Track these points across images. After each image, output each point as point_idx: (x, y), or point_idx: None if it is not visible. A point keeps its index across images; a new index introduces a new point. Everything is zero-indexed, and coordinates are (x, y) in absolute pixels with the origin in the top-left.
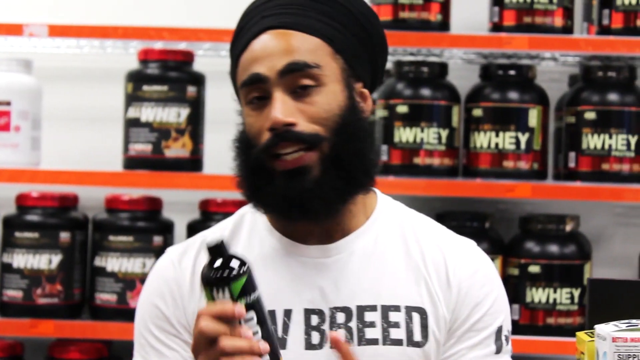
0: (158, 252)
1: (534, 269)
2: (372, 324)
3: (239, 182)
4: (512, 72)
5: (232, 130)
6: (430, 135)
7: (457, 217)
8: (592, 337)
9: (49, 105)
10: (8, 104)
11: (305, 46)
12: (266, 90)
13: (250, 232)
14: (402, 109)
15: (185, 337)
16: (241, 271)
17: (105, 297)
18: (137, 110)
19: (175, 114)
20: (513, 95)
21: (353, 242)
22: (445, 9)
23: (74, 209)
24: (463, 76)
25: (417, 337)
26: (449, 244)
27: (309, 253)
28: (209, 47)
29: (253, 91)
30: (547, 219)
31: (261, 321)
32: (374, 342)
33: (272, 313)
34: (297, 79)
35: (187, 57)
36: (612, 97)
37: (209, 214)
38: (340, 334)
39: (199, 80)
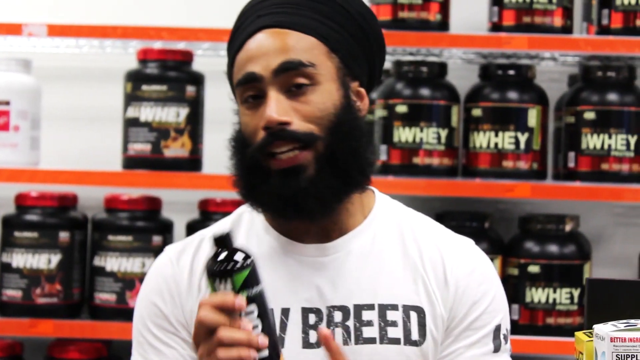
0: (157, 252)
1: (534, 269)
2: (369, 323)
3: (235, 181)
4: (511, 72)
5: (231, 130)
6: (429, 135)
7: (457, 217)
8: (590, 337)
9: (48, 105)
10: (7, 103)
11: (300, 45)
12: (261, 89)
13: (248, 231)
14: (402, 108)
15: (183, 335)
16: (244, 264)
17: (105, 296)
18: (136, 110)
19: (174, 114)
20: (512, 95)
21: (350, 241)
22: (444, 8)
23: (73, 208)
24: (462, 76)
25: (415, 336)
26: (447, 242)
27: (306, 252)
28: (208, 46)
29: (248, 90)
30: (546, 219)
31: (262, 315)
32: (371, 341)
33: (270, 312)
34: (292, 77)
35: (186, 57)
36: (612, 97)
37: (208, 213)
38: (328, 331)
39: (198, 80)
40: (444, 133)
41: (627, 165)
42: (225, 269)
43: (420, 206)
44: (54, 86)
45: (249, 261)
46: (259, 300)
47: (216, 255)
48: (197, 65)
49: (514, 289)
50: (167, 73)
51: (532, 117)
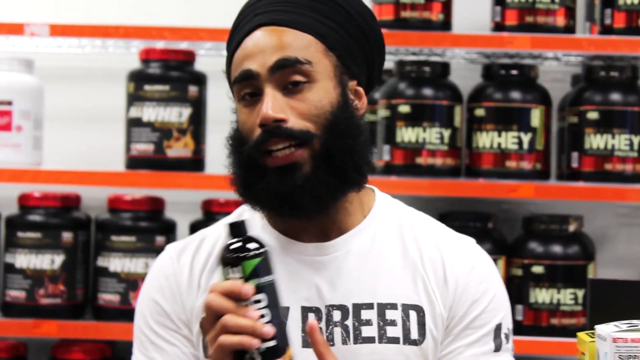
0: (160, 252)
1: (538, 269)
2: (368, 322)
3: (232, 179)
4: (514, 72)
5: None
6: (432, 135)
7: (460, 217)
8: (593, 337)
9: (50, 105)
10: (10, 103)
11: (297, 43)
12: (258, 87)
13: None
14: (404, 108)
15: (185, 332)
16: (255, 253)
17: (108, 297)
18: (139, 110)
19: (177, 114)
20: (515, 95)
21: (350, 240)
22: (447, 8)
23: (77, 209)
24: (465, 76)
25: (414, 335)
26: (447, 241)
27: (305, 251)
28: (211, 46)
29: (245, 88)
30: (550, 219)
31: (271, 306)
32: (370, 340)
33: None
34: (288, 75)
35: (189, 57)
36: (615, 97)
37: (212, 213)
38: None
39: (200, 79)
40: (447, 133)
41: (630, 165)
42: (235, 255)
43: (423, 206)
44: (57, 86)
45: (261, 250)
46: (268, 290)
47: (230, 243)
48: (200, 65)
49: (518, 289)
50: (169, 73)
51: (535, 117)
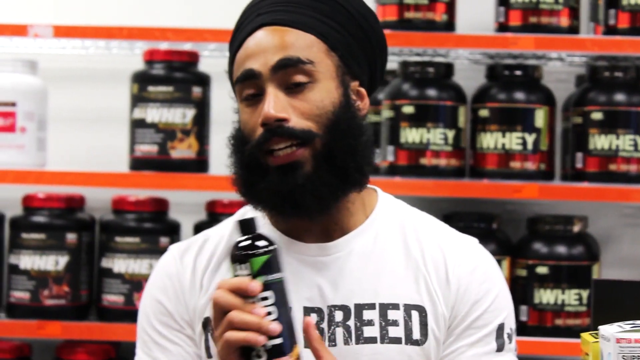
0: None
1: (542, 270)
2: (370, 322)
3: (234, 179)
4: (518, 73)
5: None
6: (436, 136)
7: (464, 218)
8: (596, 338)
9: (54, 106)
10: (13, 104)
11: (299, 42)
12: (260, 87)
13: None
14: (408, 109)
15: (188, 332)
16: (264, 250)
17: (112, 298)
18: (143, 111)
19: (180, 115)
20: (519, 95)
21: (352, 240)
22: (450, 9)
23: (81, 210)
24: (469, 76)
25: (416, 335)
26: (450, 241)
27: (307, 251)
28: (214, 47)
29: (247, 87)
30: (554, 219)
31: (279, 304)
32: (372, 340)
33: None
34: (291, 74)
35: (193, 58)
36: (619, 97)
37: (216, 214)
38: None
39: (204, 80)
40: (451, 134)
41: (635, 166)
42: (244, 252)
43: (427, 207)
44: (60, 87)
45: (269, 248)
46: (276, 288)
47: (239, 240)
48: (204, 66)
49: (522, 290)
50: (173, 74)
51: (540, 118)
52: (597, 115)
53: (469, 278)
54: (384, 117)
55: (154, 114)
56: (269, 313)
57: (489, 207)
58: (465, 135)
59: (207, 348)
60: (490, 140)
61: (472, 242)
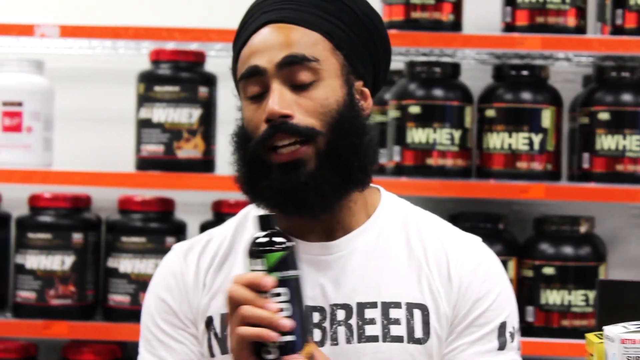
0: None
1: (549, 270)
2: (372, 321)
3: (237, 177)
4: (525, 73)
5: None
6: (443, 136)
7: (471, 218)
8: (601, 338)
9: (60, 106)
10: (20, 104)
11: (305, 40)
12: (265, 83)
13: (253, 230)
14: (415, 109)
15: (192, 330)
16: (280, 246)
17: (119, 298)
18: (149, 111)
19: (187, 115)
20: (526, 95)
21: (354, 240)
22: (457, 9)
23: (87, 210)
24: (476, 76)
25: (419, 333)
26: (452, 240)
27: (310, 250)
28: (221, 47)
29: (252, 84)
30: (561, 220)
31: (293, 301)
32: (374, 339)
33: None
34: (296, 72)
35: (199, 58)
36: (626, 97)
37: (222, 214)
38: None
39: (210, 80)
40: (457, 134)
41: None
42: (260, 248)
43: (433, 207)
44: (67, 87)
45: (285, 245)
46: (291, 285)
47: (257, 236)
48: (210, 66)
49: (528, 290)
50: (179, 74)
51: (546, 118)
52: (604, 116)
53: (470, 276)
54: (390, 117)
55: (160, 113)
56: (282, 309)
57: (496, 208)
58: (471, 136)
59: (210, 347)
60: (496, 140)
61: (474, 240)
